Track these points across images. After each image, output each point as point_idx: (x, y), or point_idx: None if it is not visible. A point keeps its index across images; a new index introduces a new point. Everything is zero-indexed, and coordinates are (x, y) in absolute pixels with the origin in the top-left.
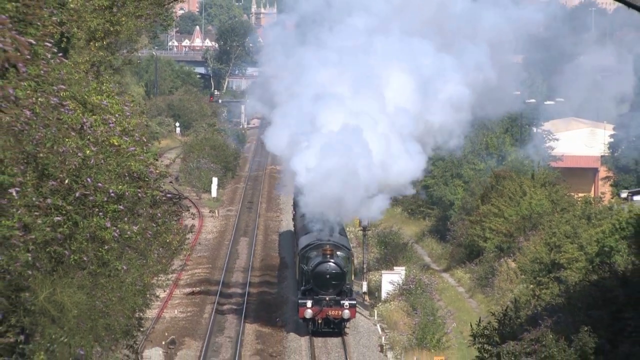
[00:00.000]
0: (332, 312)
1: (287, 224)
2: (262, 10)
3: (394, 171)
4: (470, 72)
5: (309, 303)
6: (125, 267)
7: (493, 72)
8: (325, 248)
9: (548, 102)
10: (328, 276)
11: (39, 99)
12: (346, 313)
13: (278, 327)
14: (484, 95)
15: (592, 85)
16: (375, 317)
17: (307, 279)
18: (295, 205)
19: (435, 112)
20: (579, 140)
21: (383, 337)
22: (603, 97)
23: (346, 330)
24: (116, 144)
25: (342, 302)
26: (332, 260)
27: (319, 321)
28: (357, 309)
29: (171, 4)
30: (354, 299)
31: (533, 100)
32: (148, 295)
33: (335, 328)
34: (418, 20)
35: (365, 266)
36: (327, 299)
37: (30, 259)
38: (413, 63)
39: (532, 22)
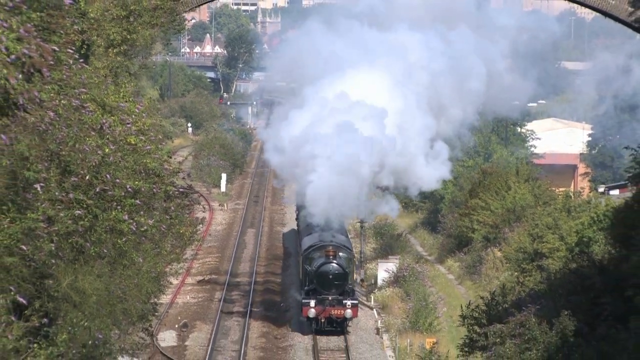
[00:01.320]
0: (335, 312)
1: (290, 217)
2: (268, 19)
3: (417, 174)
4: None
5: (313, 303)
6: (141, 258)
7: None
8: (328, 249)
9: (531, 104)
10: (331, 277)
11: (62, 101)
12: (348, 312)
13: (282, 311)
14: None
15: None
16: (372, 303)
17: (311, 279)
18: (299, 207)
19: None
20: (559, 140)
21: (379, 321)
22: (581, 99)
23: (348, 329)
24: (133, 142)
25: (344, 301)
26: (334, 262)
27: (322, 320)
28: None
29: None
30: (356, 299)
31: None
32: (162, 282)
33: (338, 327)
34: (428, 17)
35: (362, 256)
36: (330, 298)
37: (53, 249)
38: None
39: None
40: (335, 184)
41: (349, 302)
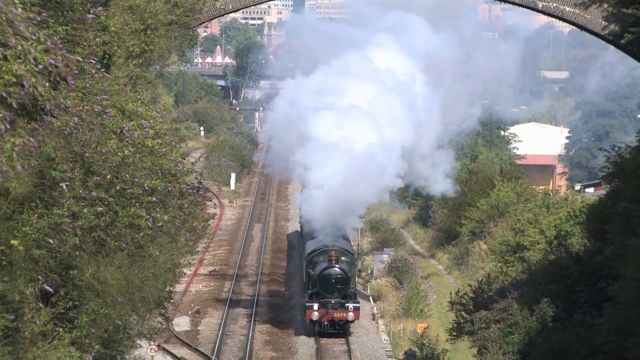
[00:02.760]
0: (337, 315)
1: (294, 213)
2: (273, 32)
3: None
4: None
5: (316, 306)
6: (157, 250)
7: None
8: (330, 254)
9: (514, 110)
10: (333, 280)
11: (85, 107)
12: (350, 315)
13: (286, 297)
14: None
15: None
16: (369, 291)
17: (314, 283)
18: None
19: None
20: (539, 142)
21: (375, 308)
22: (559, 106)
23: (350, 330)
24: (150, 145)
25: (346, 305)
26: (337, 266)
27: (325, 323)
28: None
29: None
30: (358, 302)
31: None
32: (177, 273)
33: (340, 329)
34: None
35: (359, 249)
36: (333, 302)
37: (77, 242)
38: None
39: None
40: (337, 195)
41: (351, 305)
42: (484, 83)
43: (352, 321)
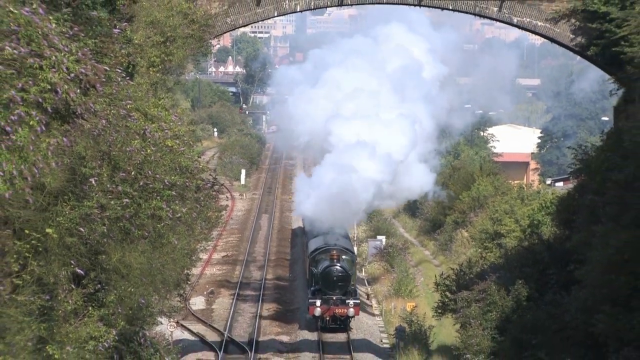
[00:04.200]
0: (339, 310)
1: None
2: (278, 44)
3: (405, 185)
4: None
5: (318, 302)
6: (176, 238)
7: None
8: (332, 253)
9: (492, 113)
10: (335, 278)
11: (112, 111)
12: (351, 311)
13: (289, 280)
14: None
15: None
16: (363, 274)
17: (316, 281)
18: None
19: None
20: (514, 141)
21: (369, 288)
22: (532, 109)
23: (351, 325)
24: (170, 145)
25: (347, 301)
26: (338, 264)
27: (327, 318)
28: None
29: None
30: (358, 298)
31: (481, 111)
32: (193, 258)
33: (341, 324)
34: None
35: (355, 237)
36: (334, 298)
37: (105, 230)
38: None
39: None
40: (336, 201)
41: (351, 302)
42: (477, 90)
43: (353, 316)
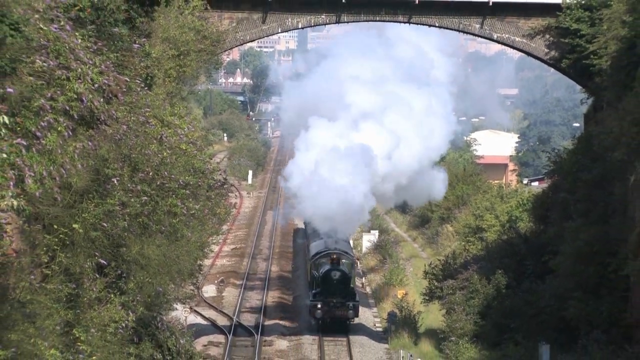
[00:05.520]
0: (339, 312)
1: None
2: (282, 58)
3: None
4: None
5: (319, 305)
6: (190, 232)
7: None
8: (332, 257)
9: (474, 119)
10: (335, 282)
11: (132, 118)
12: (350, 313)
13: (292, 269)
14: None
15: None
16: (359, 265)
17: (317, 284)
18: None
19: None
20: (494, 145)
21: (364, 278)
22: (511, 116)
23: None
24: (184, 148)
25: (347, 303)
26: (338, 268)
27: (328, 320)
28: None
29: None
30: (357, 301)
31: (464, 118)
32: (205, 250)
33: (341, 326)
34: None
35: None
36: (335, 301)
37: (126, 225)
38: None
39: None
40: (336, 207)
41: (350, 304)
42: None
43: (352, 318)
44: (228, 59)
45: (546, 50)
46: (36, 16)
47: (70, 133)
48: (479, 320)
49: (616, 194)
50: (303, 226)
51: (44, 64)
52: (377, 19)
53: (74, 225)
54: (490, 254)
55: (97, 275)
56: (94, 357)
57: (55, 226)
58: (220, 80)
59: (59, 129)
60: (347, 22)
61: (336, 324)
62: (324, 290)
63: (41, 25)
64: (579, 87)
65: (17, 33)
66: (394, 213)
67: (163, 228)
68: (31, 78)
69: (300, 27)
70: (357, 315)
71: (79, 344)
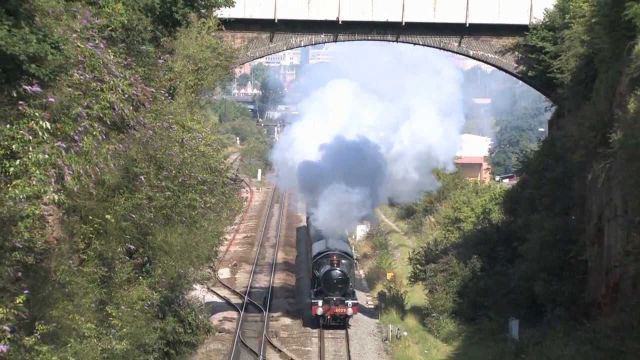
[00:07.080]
0: (339, 310)
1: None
2: (287, 72)
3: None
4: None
5: (320, 302)
6: (207, 223)
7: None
8: (332, 258)
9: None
10: (335, 281)
11: (157, 124)
12: (349, 311)
13: (295, 256)
14: None
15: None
16: (354, 252)
17: (318, 283)
18: (308, 214)
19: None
20: (471, 147)
21: (358, 263)
22: (485, 122)
23: (349, 323)
24: (202, 150)
25: (346, 301)
26: (338, 268)
27: (328, 317)
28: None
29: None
30: (356, 299)
31: None
32: (221, 238)
33: (341, 322)
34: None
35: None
36: (335, 299)
37: (152, 217)
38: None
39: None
40: (336, 209)
41: (350, 302)
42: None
43: (351, 315)
44: (240, 73)
45: (515, 65)
46: (74, 35)
47: (104, 137)
48: (457, 299)
49: (576, 190)
50: (304, 224)
51: (81, 77)
52: (369, 38)
53: (107, 216)
54: (467, 241)
55: (128, 259)
56: (124, 329)
57: (91, 217)
58: (233, 91)
59: (94, 133)
60: (343, 40)
61: (336, 320)
62: (324, 289)
63: (78, 44)
64: (544, 97)
65: (57, 51)
66: (383, 205)
67: (184, 219)
68: (70, 89)
69: (302, 45)
70: (355, 313)
71: (111, 319)
